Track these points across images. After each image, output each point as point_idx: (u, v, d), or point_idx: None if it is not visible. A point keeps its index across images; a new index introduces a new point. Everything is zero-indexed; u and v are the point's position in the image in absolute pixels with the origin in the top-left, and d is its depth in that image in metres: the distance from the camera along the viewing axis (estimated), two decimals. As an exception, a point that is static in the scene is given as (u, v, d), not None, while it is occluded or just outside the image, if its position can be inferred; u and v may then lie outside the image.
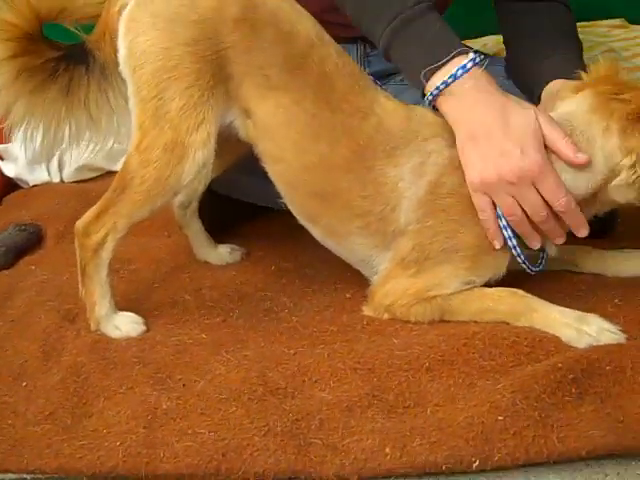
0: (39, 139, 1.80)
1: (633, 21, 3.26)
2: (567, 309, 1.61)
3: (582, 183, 1.61)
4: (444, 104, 1.59)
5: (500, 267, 1.70)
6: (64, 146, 1.82)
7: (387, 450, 1.34)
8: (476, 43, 2.76)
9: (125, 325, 1.76)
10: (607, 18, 3.24)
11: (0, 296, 1.98)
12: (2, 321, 1.86)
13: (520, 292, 1.66)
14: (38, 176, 2.58)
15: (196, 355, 1.65)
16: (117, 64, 1.73)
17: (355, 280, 1.91)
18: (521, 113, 1.53)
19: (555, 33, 1.90)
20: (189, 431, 1.42)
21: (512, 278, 1.73)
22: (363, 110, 1.70)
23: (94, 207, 1.77)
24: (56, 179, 2.59)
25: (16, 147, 2.61)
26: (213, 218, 2.12)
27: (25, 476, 1.42)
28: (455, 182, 1.67)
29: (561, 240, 1.65)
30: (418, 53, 1.60)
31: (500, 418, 1.35)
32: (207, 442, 1.39)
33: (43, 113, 1.76)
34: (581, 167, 1.55)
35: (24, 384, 1.62)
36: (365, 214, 1.72)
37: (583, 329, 1.55)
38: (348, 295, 1.86)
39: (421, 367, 1.52)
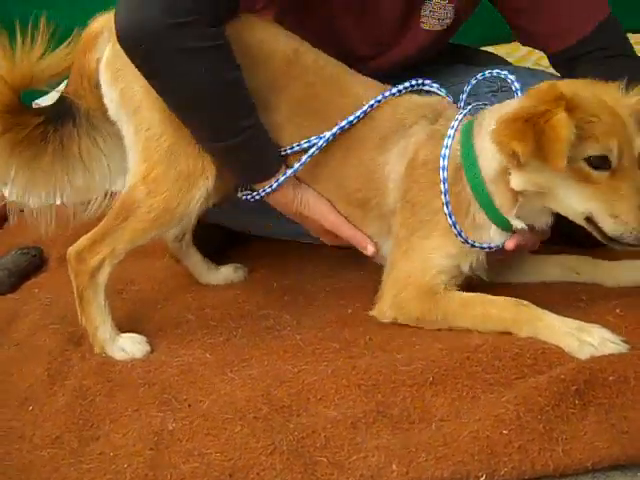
0: (41, 201, 1.88)
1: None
2: (570, 319, 1.62)
3: (491, 166, 1.68)
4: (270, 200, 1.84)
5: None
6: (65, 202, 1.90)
7: (393, 467, 1.34)
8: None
9: (130, 346, 1.78)
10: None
11: (4, 320, 1.99)
12: (7, 345, 1.87)
13: (524, 302, 1.66)
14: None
15: (201, 375, 1.66)
16: (102, 108, 1.80)
17: (356, 296, 1.93)
18: (310, 220, 1.85)
19: None
20: (195, 452, 1.43)
21: (512, 289, 1.74)
22: (350, 109, 1.77)
23: (89, 234, 1.80)
24: (57, 202, 2.59)
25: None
26: (204, 246, 2.14)
27: (33, 501, 1.43)
28: (427, 153, 1.74)
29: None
30: (244, 168, 1.79)
31: (505, 432, 1.35)
32: (214, 462, 1.40)
33: (44, 179, 1.84)
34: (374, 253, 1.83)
35: (30, 408, 1.63)
36: (363, 204, 1.81)
37: (585, 339, 1.56)
38: (350, 311, 1.87)
39: (425, 382, 1.53)
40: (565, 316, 1.64)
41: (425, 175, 1.74)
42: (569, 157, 1.54)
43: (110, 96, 1.78)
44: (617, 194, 1.57)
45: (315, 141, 1.77)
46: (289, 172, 1.77)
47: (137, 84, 1.74)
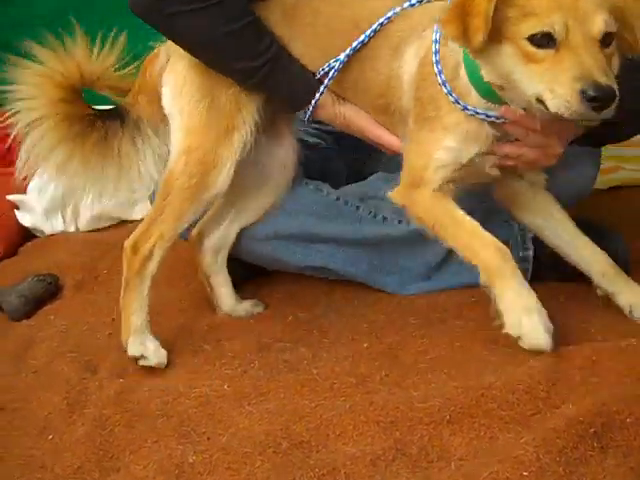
0: (70, 186, 2.02)
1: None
2: (530, 295, 1.69)
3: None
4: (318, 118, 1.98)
5: (478, 137, 1.74)
6: (92, 194, 2.02)
7: (413, 506, 1.36)
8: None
9: (150, 347, 1.85)
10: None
11: (21, 346, 2.01)
12: (25, 372, 1.89)
13: (508, 255, 1.71)
14: (54, 226, 2.60)
15: (219, 407, 1.67)
16: (152, 119, 1.97)
17: (371, 330, 1.94)
18: (357, 133, 1.97)
19: None
20: (216, 486, 1.44)
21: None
22: (362, 25, 1.84)
23: (141, 224, 1.91)
24: (71, 228, 2.61)
25: (32, 198, 2.65)
26: None
27: (55, 532, 1.44)
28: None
29: None
30: (279, 99, 1.95)
31: (525, 474, 1.37)
32: (235, 498, 1.41)
33: (80, 164, 1.95)
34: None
35: (50, 437, 1.64)
36: (385, 110, 1.88)
37: (522, 320, 1.65)
38: (365, 345, 1.88)
39: (442, 420, 1.55)
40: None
41: (432, 74, 1.77)
42: (513, 38, 1.57)
43: (166, 91, 1.95)
44: (558, 69, 1.55)
45: (334, 64, 1.87)
46: (317, 96, 1.90)
47: (182, 62, 1.91)
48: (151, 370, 1.85)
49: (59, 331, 2.05)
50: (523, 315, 1.66)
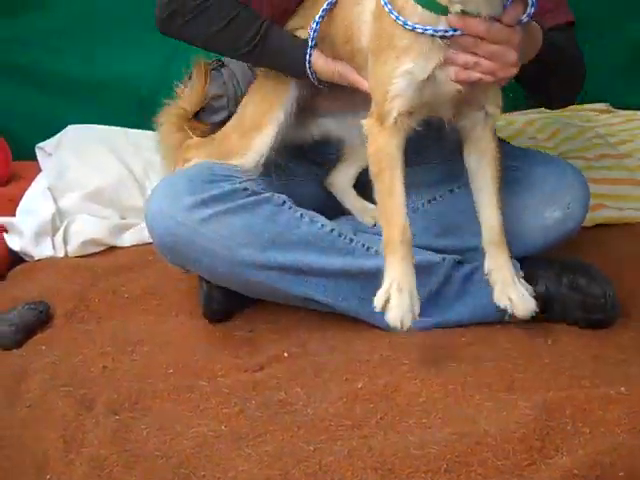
0: None
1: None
2: (411, 278, 1.83)
3: None
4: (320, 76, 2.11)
5: (432, 51, 1.80)
6: None
7: None
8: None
9: None
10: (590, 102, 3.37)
11: (13, 378, 1.99)
12: (19, 406, 1.87)
13: (409, 240, 1.85)
14: (43, 250, 2.58)
15: (217, 449, 1.68)
16: None
17: (363, 369, 1.96)
18: (343, 80, 2.07)
19: None
20: (219, 533, 1.46)
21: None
22: None
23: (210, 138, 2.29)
24: (61, 253, 2.59)
25: (21, 220, 2.63)
26: (217, 308, 2.20)
27: None
28: None
29: None
30: (286, 61, 2.12)
31: (522, 527, 1.40)
32: None
33: None
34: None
35: (48, 477, 1.64)
36: (351, 57, 2.02)
37: (391, 299, 1.81)
38: (359, 385, 1.90)
39: (439, 469, 1.57)
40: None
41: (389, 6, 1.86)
42: None
43: None
44: None
45: (313, 26, 2.06)
46: (307, 58, 2.06)
47: None
48: (146, 407, 1.85)
49: (51, 362, 2.04)
50: (395, 291, 1.81)
